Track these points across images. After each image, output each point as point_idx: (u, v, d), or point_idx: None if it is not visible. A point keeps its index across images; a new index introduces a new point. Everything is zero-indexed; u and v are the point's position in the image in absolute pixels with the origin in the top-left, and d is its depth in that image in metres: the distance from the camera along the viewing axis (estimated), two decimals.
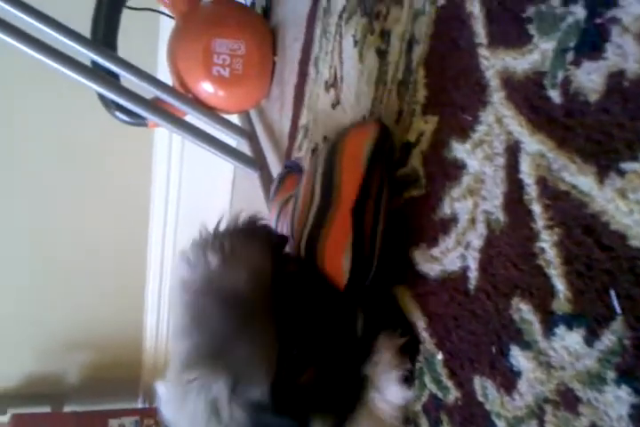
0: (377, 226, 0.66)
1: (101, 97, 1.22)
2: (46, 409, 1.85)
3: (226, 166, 1.59)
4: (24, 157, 1.58)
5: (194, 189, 1.65)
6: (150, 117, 1.10)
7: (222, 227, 0.62)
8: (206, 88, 1.28)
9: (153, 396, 2.07)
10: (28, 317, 1.81)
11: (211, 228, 0.61)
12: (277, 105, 1.27)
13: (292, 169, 0.95)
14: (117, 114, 1.26)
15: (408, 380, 0.64)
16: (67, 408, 1.90)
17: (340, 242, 0.63)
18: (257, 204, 1.43)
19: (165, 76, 1.36)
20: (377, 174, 0.66)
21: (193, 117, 1.24)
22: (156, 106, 1.09)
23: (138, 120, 1.27)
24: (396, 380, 0.63)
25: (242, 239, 0.60)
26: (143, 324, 1.96)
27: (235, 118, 1.40)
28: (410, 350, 0.64)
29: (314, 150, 0.99)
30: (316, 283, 0.62)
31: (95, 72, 1.06)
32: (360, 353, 0.60)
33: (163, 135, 1.52)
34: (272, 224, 0.89)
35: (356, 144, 0.67)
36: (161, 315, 1.93)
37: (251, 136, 1.28)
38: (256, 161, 1.21)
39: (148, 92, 1.23)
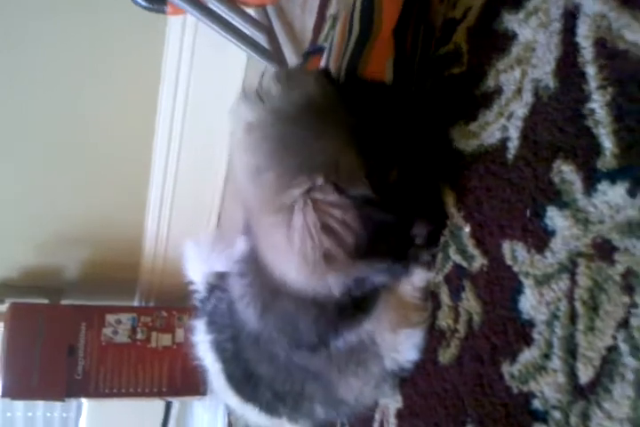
0: (416, 47, 0.68)
1: None
2: (44, 301, 1.90)
3: (236, 66, 1.56)
4: (31, 44, 1.53)
5: (202, 89, 1.62)
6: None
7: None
8: None
9: (150, 295, 2.12)
10: (30, 209, 1.81)
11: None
12: (299, 0, 1.24)
13: (314, 51, 0.94)
14: None
15: (429, 262, 0.67)
16: (64, 302, 1.94)
17: (382, 59, 0.66)
18: None
19: None
20: (417, 2, 0.68)
21: (212, 6, 1.21)
22: None
23: (157, 5, 1.23)
24: (421, 264, 0.66)
25: (291, 71, 0.60)
26: (144, 225, 1.97)
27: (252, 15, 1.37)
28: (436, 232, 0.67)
29: None
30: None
31: None
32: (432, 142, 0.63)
33: (176, 27, 1.47)
34: None
35: None
36: (162, 217, 1.95)
37: (269, 30, 1.26)
38: (274, 55, 1.19)
39: None
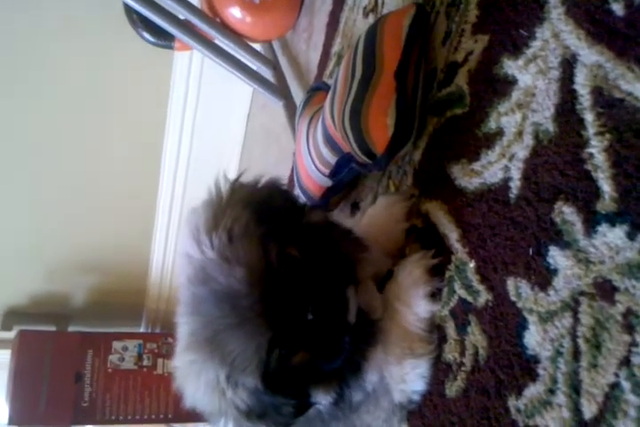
0: (417, 88, 0.71)
1: (128, 13, 1.21)
2: (51, 328, 1.91)
3: (242, 101, 1.60)
4: (38, 81, 1.57)
5: (208, 123, 1.66)
6: (181, 37, 1.10)
7: (240, 185, 0.63)
8: (234, 13, 1.27)
9: (156, 322, 2.13)
10: (39, 238, 1.84)
11: (222, 184, 0.62)
12: (305, 36, 1.28)
13: (320, 88, 0.97)
14: (144, 33, 1.25)
15: (435, 295, 0.68)
16: (71, 328, 1.96)
17: (384, 101, 0.68)
18: (271, 137, 1.46)
19: None
20: (417, 44, 0.71)
21: (218, 42, 1.24)
22: (187, 25, 1.10)
23: (164, 41, 1.27)
24: (424, 295, 0.68)
25: (247, 221, 0.59)
26: (150, 253, 1.99)
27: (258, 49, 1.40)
28: (440, 265, 0.68)
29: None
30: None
31: None
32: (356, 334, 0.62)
33: (182, 64, 1.51)
34: (300, 146, 0.91)
35: (396, 21, 0.73)
36: (168, 245, 1.97)
37: (275, 66, 1.29)
38: (280, 90, 1.22)
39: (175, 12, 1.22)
